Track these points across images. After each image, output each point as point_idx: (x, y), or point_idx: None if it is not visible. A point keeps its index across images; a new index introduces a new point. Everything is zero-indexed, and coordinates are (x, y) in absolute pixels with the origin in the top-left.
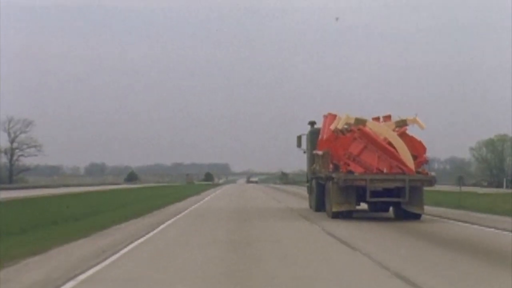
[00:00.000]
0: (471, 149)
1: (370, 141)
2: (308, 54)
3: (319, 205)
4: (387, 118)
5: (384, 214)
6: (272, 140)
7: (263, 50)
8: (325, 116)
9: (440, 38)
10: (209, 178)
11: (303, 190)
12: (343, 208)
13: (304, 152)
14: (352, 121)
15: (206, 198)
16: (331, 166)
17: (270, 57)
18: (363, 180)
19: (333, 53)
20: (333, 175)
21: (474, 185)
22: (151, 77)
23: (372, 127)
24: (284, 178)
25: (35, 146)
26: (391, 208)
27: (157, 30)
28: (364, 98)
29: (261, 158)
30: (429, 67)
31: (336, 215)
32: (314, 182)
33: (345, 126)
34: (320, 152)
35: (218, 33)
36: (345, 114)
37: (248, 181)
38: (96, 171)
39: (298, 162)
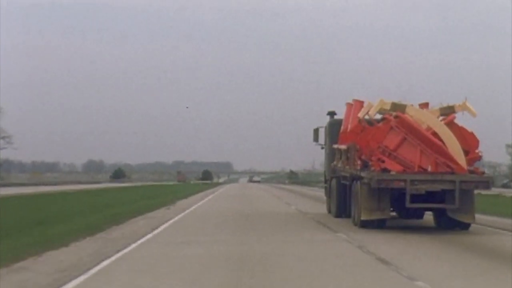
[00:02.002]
0: (508, 146)
1: (411, 131)
2: (311, 53)
3: (340, 209)
4: (424, 106)
5: (417, 222)
6: (275, 138)
7: (267, 49)
8: (349, 104)
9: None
10: (207, 176)
11: (317, 192)
12: (375, 215)
13: (322, 148)
14: (388, 107)
15: (187, 211)
16: (358, 162)
17: (273, 56)
18: (402, 181)
19: (334, 52)
20: (363, 174)
21: (504, 186)
22: (152, 74)
23: (413, 114)
24: (293, 178)
25: (3, 138)
26: (425, 214)
27: (161, 28)
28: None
29: (264, 156)
30: (460, 65)
31: (365, 224)
32: (334, 182)
33: (378, 114)
34: (343, 146)
35: (221, 32)
36: (379, 98)
37: (251, 180)
38: (94, 168)
39: (304, 161)
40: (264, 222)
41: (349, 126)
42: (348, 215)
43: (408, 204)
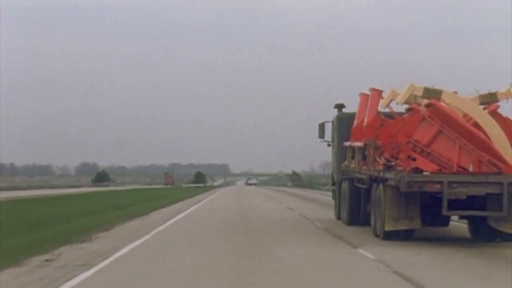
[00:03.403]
0: None
1: (448, 122)
2: (309, 54)
3: (353, 216)
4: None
5: (443, 231)
6: (272, 140)
7: (263, 50)
8: (364, 95)
9: None
10: (200, 179)
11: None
12: (402, 225)
13: (329, 145)
14: (419, 93)
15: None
16: (381, 162)
17: (272, 56)
18: (438, 183)
19: (332, 53)
20: (388, 175)
21: None
22: (147, 76)
23: (450, 101)
24: (296, 180)
25: None
26: (451, 222)
27: (157, 29)
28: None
29: (261, 158)
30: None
31: (390, 236)
32: (346, 185)
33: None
34: (358, 144)
35: (221, 37)
36: (409, 83)
37: (247, 183)
38: (87, 171)
39: (302, 162)
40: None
41: (366, 120)
42: (362, 223)
43: (445, 212)
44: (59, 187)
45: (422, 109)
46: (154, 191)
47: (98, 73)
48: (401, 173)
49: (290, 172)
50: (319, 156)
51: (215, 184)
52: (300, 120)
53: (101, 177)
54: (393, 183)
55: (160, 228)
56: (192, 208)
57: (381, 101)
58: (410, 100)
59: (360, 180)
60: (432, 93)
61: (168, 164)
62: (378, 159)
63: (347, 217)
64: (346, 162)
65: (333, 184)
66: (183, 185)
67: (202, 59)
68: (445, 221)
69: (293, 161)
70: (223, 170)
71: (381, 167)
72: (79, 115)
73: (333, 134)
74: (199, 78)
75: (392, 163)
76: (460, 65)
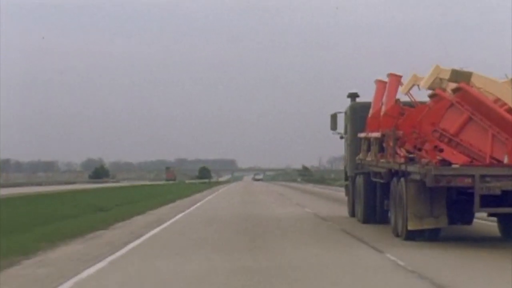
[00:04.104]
0: None
1: (479, 108)
2: (313, 50)
3: (369, 214)
4: None
5: (467, 229)
6: (280, 134)
7: (270, 44)
8: (380, 82)
9: None
10: (204, 174)
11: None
12: (427, 224)
13: (341, 137)
14: (446, 75)
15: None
16: (401, 154)
17: (278, 52)
18: (469, 177)
19: (334, 49)
20: (411, 168)
21: None
22: (154, 71)
23: (481, 84)
24: (306, 175)
25: None
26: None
27: (161, 25)
28: None
29: (269, 153)
30: None
31: (413, 236)
32: (361, 179)
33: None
34: (375, 134)
35: (226, 31)
36: (434, 65)
37: (254, 179)
38: (93, 167)
39: (310, 157)
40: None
41: (383, 108)
42: (378, 221)
43: (477, 209)
44: (51, 183)
45: (449, 94)
46: (151, 188)
47: (104, 69)
48: (427, 166)
49: (298, 167)
50: (327, 151)
51: (221, 179)
52: (307, 115)
53: (100, 173)
54: (417, 177)
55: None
56: (179, 216)
57: (401, 87)
58: (435, 84)
59: (377, 174)
60: (461, 76)
61: (175, 159)
62: (398, 151)
63: (362, 215)
64: (360, 155)
65: (346, 179)
66: (187, 181)
67: (208, 54)
68: (470, 218)
69: (300, 156)
70: (230, 166)
71: (402, 160)
72: (85, 111)
73: (346, 126)
74: (205, 73)
75: (414, 155)
76: (465, 59)
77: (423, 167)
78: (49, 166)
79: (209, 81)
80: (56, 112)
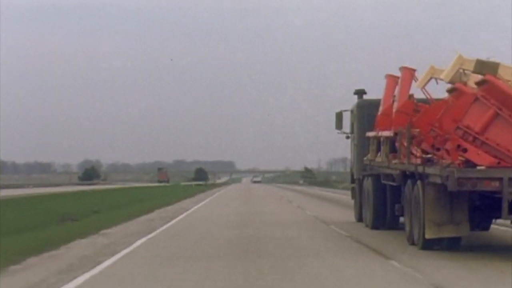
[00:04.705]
0: None
1: (507, 103)
2: (313, 52)
3: (379, 219)
4: None
5: (482, 236)
6: (279, 136)
7: (269, 46)
8: (391, 76)
9: None
10: (201, 176)
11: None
12: (446, 232)
13: (347, 137)
14: (470, 66)
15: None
16: (417, 153)
17: (277, 54)
18: (496, 180)
19: (338, 49)
20: (430, 170)
21: None
22: (152, 72)
23: (510, 77)
24: (309, 177)
25: None
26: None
27: (163, 25)
28: None
29: (267, 155)
30: None
31: (430, 245)
32: (369, 182)
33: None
34: (387, 133)
35: (224, 32)
36: (457, 54)
37: (253, 181)
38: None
39: (309, 160)
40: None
41: (396, 105)
42: (388, 227)
43: (505, 216)
44: (36, 185)
45: (471, 88)
46: (140, 191)
47: (101, 70)
48: (449, 168)
49: (296, 168)
50: (326, 152)
51: (218, 181)
52: (306, 116)
53: (90, 175)
54: (437, 180)
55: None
56: (141, 242)
57: (416, 82)
58: (457, 77)
59: (388, 177)
60: (487, 67)
61: (173, 161)
62: (413, 150)
63: (371, 220)
64: (369, 156)
65: (353, 181)
66: (182, 183)
67: (206, 55)
68: (488, 225)
69: (299, 158)
70: (229, 167)
71: (419, 161)
72: (84, 112)
73: (352, 124)
74: (203, 74)
75: (430, 155)
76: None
77: (445, 169)
78: (45, 168)
79: (207, 82)
80: (54, 113)
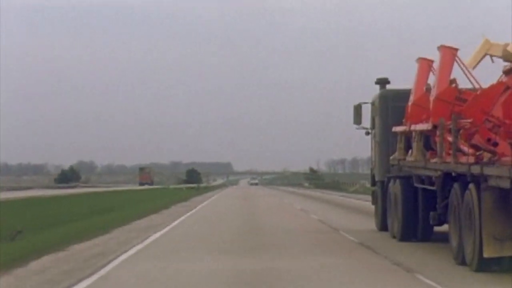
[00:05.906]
0: None
1: None
2: (311, 55)
3: (409, 229)
4: None
5: None
6: (276, 137)
7: (266, 48)
8: (424, 60)
9: None
10: (193, 178)
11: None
12: (509, 250)
13: (367, 133)
14: (498, 52)
15: None
16: (470, 151)
17: (274, 55)
18: None
19: (330, 53)
20: (489, 171)
21: None
22: (148, 74)
23: None
24: (315, 178)
25: None
26: None
27: (160, 29)
28: None
29: (265, 156)
30: None
31: (488, 265)
32: (397, 185)
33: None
34: (422, 126)
35: (223, 34)
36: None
37: (251, 183)
38: (83, 170)
39: (307, 160)
40: None
41: (435, 91)
42: (421, 238)
43: None
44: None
45: None
46: (115, 196)
47: (97, 71)
48: None
49: (295, 169)
50: (325, 154)
51: (214, 183)
52: (304, 117)
53: (68, 176)
54: (501, 183)
55: None
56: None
57: (469, 60)
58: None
59: (423, 179)
60: None
61: (169, 162)
62: (462, 146)
63: (400, 230)
64: (396, 155)
65: (374, 184)
66: (171, 186)
67: (203, 57)
68: None
69: (297, 159)
70: (226, 169)
71: (472, 159)
72: (79, 113)
73: (373, 119)
74: (200, 75)
75: (481, 152)
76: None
77: None
78: (38, 169)
79: (205, 84)
80: (49, 114)
